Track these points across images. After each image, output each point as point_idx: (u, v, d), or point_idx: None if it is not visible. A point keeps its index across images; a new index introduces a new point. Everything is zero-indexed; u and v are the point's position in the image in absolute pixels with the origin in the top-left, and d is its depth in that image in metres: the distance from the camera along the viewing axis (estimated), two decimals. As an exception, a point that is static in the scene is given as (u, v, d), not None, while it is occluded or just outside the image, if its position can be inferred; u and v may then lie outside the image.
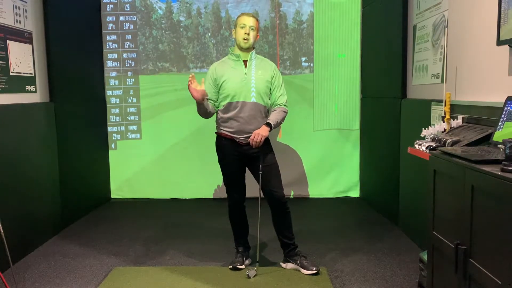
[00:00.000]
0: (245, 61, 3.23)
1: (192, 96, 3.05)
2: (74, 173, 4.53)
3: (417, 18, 3.90)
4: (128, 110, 5.47)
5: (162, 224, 4.49)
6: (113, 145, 5.48)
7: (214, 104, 3.27)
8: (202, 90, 3.05)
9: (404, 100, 4.10)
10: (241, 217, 3.41)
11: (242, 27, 3.16)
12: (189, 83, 3.03)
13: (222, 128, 3.23)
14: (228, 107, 3.18)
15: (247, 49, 3.21)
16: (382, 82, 4.67)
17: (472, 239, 1.81)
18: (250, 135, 3.11)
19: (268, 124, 3.11)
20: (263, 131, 3.08)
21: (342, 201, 5.36)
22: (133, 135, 5.50)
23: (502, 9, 2.30)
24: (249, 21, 3.16)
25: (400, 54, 4.14)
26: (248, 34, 3.15)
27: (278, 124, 3.21)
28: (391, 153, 4.31)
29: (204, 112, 3.20)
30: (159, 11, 5.44)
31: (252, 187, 3.44)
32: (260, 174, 3.17)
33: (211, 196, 5.45)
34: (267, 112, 3.26)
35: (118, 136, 5.48)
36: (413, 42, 3.98)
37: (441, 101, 3.11)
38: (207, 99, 3.22)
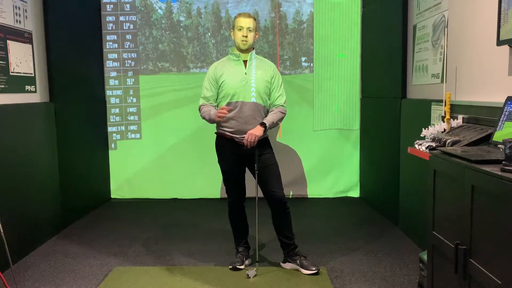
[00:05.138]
0: (245, 61, 3.23)
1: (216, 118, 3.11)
2: (74, 173, 4.53)
3: (417, 18, 3.90)
4: (128, 110, 5.47)
5: (162, 224, 4.49)
6: (113, 145, 5.48)
7: (212, 102, 3.27)
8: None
9: (404, 100, 4.10)
10: (241, 217, 3.41)
11: (240, 30, 3.16)
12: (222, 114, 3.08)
13: (222, 128, 3.23)
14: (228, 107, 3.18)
15: (247, 50, 3.21)
16: (382, 82, 4.67)
17: (472, 239, 1.81)
18: (248, 135, 3.11)
19: (263, 124, 3.11)
20: (257, 131, 3.08)
21: (342, 201, 5.36)
22: (133, 135, 5.50)
23: (502, 9, 2.30)
24: (246, 23, 3.15)
25: (400, 54, 4.14)
26: (246, 36, 3.15)
27: (274, 125, 3.20)
28: (391, 153, 4.30)
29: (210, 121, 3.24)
30: (159, 11, 5.44)
31: (252, 187, 3.43)
32: (256, 174, 3.17)
33: (211, 196, 5.45)
34: (266, 112, 3.26)
35: (118, 136, 5.48)
36: (413, 42, 3.98)
37: (441, 101, 3.11)
38: (206, 91, 3.25)
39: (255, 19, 3.22)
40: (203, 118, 3.25)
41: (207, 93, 3.24)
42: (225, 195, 3.39)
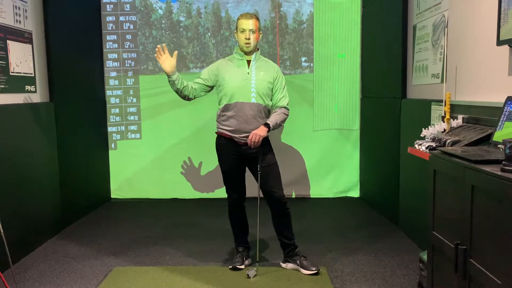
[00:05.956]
0: (248, 61, 3.23)
1: (162, 67, 3.08)
2: (74, 173, 4.53)
3: (417, 18, 3.90)
4: (128, 110, 5.47)
5: (162, 224, 4.49)
6: (113, 145, 5.48)
7: (196, 87, 3.24)
8: (172, 61, 3.08)
9: (404, 100, 4.10)
10: (241, 217, 3.41)
11: (242, 32, 3.16)
12: (158, 54, 3.06)
13: (222, 127, 3.23)
14: (228, 106, 3.19)
15: (250, 52, 3.22)
16: (382, 82, 4.67)
17: (472, 239, 1.81)
18: (249, 135, 3.11)
19: (267, 125, 3.11)
20: (261, 131, 3.08)
21: (342, 201, 5.36)
22: (133, 135, 5.50)
23: (502, 9, 2.30)
24: (248, 25, 3.15)
25: (400, 54, 4.14)
26: (248, 38, 3.15)
27: (278, 126, 3.20)
28: (391, 153, 4.31)
29: (176, 88, 3.19)
30: (159, 11, 5.44)
31: (252, 187, 3.44)
32: (258, 174, 3.17)
33: (211, 196, 5.45)
34: (267, 112, 3.26)
35: (118, 136, 5.48)
36: (413, 42, 3.98)
37: (441, 101, 3.12)
38: (199, 78, 3.25)
39: (257, 19, 3.21)
40: (172, 88, 3.22)
41: (199, 80, 3.25)
42: (225, 195, 3.38)
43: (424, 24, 3.73)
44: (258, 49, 3.28)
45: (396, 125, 4.17)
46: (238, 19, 3.21)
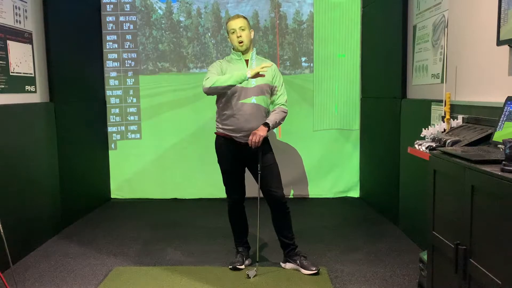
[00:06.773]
0: (246, 61, 3.25)
1: (251, 74, 3.01)
2: (74, 173, 4.53)
3: (417, 18, 3.90)
4: (128, 110, 5.47)
5: (162, 224, 4.49)
6: (113, 145, 5.48)
7: None
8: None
9: (404, 100, 4.10)
10: (240, 217, 3.41)
11: (233, 32, 3.18)
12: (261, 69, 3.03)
13: (221, 127, 3.23)
14: (228, 105, 3.19)
15: (246, 50, 3.23)
16: (382, 82, 4.67)
17: (472, 239, 1.81)
18: (248, 134, 3.12)
19: (266, 124, 3.11)
20: (261, 131, 3.08)
21: (342, 201, 5.36)
22: (133, 135, 5.50)
23: (502, 9, 2.30)
24: (236, 24, 3.17)
25: (400, 54, 4.14)
26: (240, 36, 3.17)
27: (277, 124, 3.21)
28: (391, 153, 4.31)
29: (224, 87, 3.09)
30: (159, 11, 5.44)
31: (252, 187, 3.44)
32: (259, 174, 3.18)
33: (211, 196, 5.44)
34: (267, 111, 3.26)
35: (118, 136, 5.48)
36: (413, 42, 3.98)
37: (441, 101, 3.12)
38: (212, 74, 3.18)
39: (244, 18, 3.24)
40: (216, 87, 3.05)
41: (214, 74, 3.17)
42: (225, 195, 3.39)
43: (424, 24, 3.73)
44: (254, 48, 3.29)
45: (396, 125, 4.17)
46: (226, 23, 3.25)
